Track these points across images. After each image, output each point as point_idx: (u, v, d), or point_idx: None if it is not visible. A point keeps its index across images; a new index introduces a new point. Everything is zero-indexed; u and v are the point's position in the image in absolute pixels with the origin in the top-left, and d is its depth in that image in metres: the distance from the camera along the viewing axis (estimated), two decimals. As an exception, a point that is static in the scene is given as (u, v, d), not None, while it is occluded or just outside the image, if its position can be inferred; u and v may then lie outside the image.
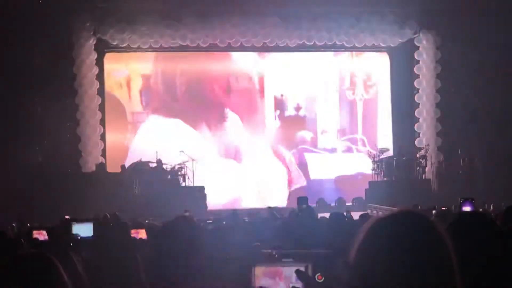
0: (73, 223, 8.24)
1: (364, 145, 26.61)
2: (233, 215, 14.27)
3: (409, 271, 2.22)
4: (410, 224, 2.30)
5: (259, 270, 3.71)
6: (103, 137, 24.53)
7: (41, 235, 9.36)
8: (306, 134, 26.70)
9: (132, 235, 9.45)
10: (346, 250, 2.38)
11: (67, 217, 15.63)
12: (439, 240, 2.29)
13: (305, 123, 26.83)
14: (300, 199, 19.14)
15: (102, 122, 24.52)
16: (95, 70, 24.08)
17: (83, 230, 8.12)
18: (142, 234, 9.52)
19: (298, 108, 26.67)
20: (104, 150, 24.51)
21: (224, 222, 12.25)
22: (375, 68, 27.07)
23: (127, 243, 6.68)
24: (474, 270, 3.05)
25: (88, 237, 7.97)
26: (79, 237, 7.92)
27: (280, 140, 26.42)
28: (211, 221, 13.49)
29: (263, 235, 9.24)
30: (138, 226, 9.93)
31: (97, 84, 24.17)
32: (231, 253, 4.94)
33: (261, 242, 8.11)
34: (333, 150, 26.78)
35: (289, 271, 3.60)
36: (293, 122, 26.73)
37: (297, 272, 3.54)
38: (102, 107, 24.52)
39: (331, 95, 26.81)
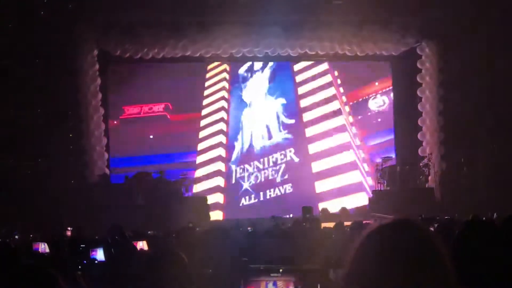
0: (91, 249, 8.27)
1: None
2: (236, 225, 14.27)
3: (403, 280, 2.22)
4: (404, 233, 2.32)
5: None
6: (107, 148, 24.55)
7: (42, 247, 9.35)
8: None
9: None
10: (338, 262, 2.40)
11: (69, 228, 15.72)
12: (434, 249, 2.30)
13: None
14: (305, 209, 19.19)
15: (106, 132, 24.54)
16: (99, 81, 24.10)
17: (99, 254, 8.19)
18: (143, 245, 9.56)
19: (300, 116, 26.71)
20: (108, 161, 24.53)
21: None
22: (377, 77, 27.10)
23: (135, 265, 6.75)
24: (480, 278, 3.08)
25: (103, 261, 8.06)
26: (96, 261, 8.00)
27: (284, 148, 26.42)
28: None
29: (265, 245, 9.22)
30: (140, 237, 9.98)
31: (100, 95, 24.19)
32: (220, 268, 4.94)
33: (262, 252, 8.10)
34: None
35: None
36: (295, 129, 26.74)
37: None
38: (106, 118, 24.54)
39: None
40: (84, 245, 8.40)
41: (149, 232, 14.53)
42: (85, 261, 7.92)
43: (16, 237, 15.48)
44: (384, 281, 2.24)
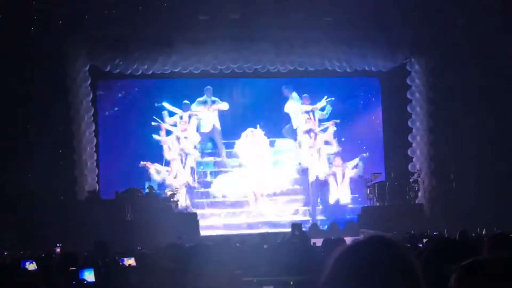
0: (80, 269, 8.19)
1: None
2: (225, 241, 14.24)
3: None
4: (377, 251, 2.34)
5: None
6: (97, 163, 24.49)
7: (31, 265, 9.32)
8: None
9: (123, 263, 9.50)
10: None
11: (58, 245, 15.68)
12: (407, 267, 2.33)
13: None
14: (294, 225, 19.13)
15: (97, 148, 24.49)
16: (91, 96, 24.10)
17: (89, 276, 8.12)
18: (132, 261, 9.58)
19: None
20: (98, 176, 24.45)
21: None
22: (366, 93, 27.17)
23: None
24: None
25: (93, 282, 8.00)
26: (85, 282, 7.94)
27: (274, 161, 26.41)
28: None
29: (253, 261, 9.24)
30: (129, 254, 10.00)
31: (92, 110, 24.20)
32: (213, 282, 4.97)
33: (251, 268, 8.12)
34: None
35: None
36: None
37: None
38: (96, 133, 24.49)
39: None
40: (74, 268, 8.32)
41: (138, 248, 14.51)
42: (74, 282, 7.87)
43: (5, 253, 15.43)
44: None
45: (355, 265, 2.31)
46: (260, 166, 25.90)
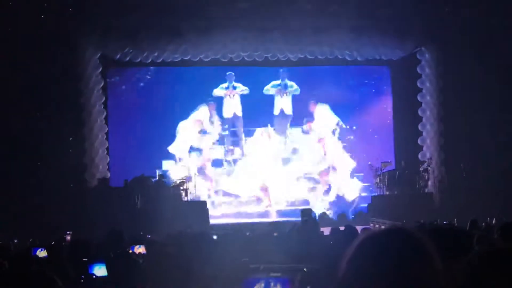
0: (89, 264, 8.06)
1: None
2: (235, 229, 14.27)
3: (395, 285, 2.25)
4: (398, 241, 2.34)
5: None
6: (108, 151, 24.54)
7: (41, 253, 9.32)
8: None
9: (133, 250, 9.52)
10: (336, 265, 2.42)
11: (68, 232, 15.71)
12: (426, 257, 2.33)
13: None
14: (304, 212, 19.05)
15: (107, 135, 24.55)
16: (102, 84, 24.14)
17: (99, 270, 7.98)
18: (142, 249, 9.61)
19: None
20: (109, 164, 24.51)
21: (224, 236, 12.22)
22: (377, 81, 27.11)
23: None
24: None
25: (104, 276, 7.90)
26: (94, 276, 7.86)
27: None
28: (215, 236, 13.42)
29: (263, 250, 9.23)
30: (138, 242, 10.04)
31: (104, 98, 24.25)
32: (221, 269, 4.98)
33: (260, 257, 8.12)
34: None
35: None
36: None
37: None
38: (107, 121, 24.55)
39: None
40: (86, 259, 8.20)
41: (147, 236, 14.53)
42: (83, 276, 7.76)
43: (15, 241, 15.47)
44: (377, 285, 2.27)
45: (375, 254, 2.31)
46: (272, 162, 25.87)
